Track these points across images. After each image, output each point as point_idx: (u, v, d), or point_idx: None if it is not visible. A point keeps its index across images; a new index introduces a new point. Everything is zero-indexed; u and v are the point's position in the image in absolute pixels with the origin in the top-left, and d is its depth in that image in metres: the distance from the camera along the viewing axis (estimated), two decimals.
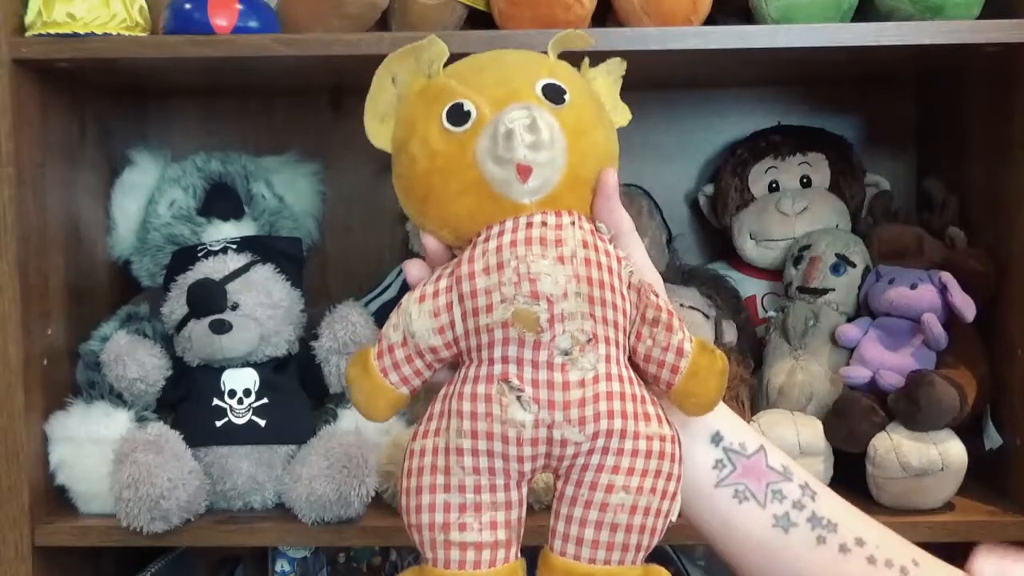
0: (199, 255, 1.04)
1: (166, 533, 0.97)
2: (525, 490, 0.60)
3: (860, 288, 1.10)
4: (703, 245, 1.32)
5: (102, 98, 1.16)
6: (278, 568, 1.21)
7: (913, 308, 1.03)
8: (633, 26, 0.97)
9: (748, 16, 0.99)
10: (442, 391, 0.60)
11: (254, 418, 1.01)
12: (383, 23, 1.02)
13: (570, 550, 0.58)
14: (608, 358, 0.58)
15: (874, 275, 1.09)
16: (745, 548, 0.63)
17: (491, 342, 0.57)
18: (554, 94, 0.60)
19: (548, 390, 0.57)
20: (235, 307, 1.00)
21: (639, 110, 1.39)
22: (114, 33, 0.95)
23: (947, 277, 1.02)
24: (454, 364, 0.60)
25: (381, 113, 0.63)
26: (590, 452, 0.57)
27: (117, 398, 1.02)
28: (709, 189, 1.27)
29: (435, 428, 0.59)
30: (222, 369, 1.02)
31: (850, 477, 0.98)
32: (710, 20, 0.99)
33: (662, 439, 0.58)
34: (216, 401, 1.01)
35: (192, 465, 0.98)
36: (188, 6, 0.95)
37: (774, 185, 1.21)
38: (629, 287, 0.60)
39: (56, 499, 1.03)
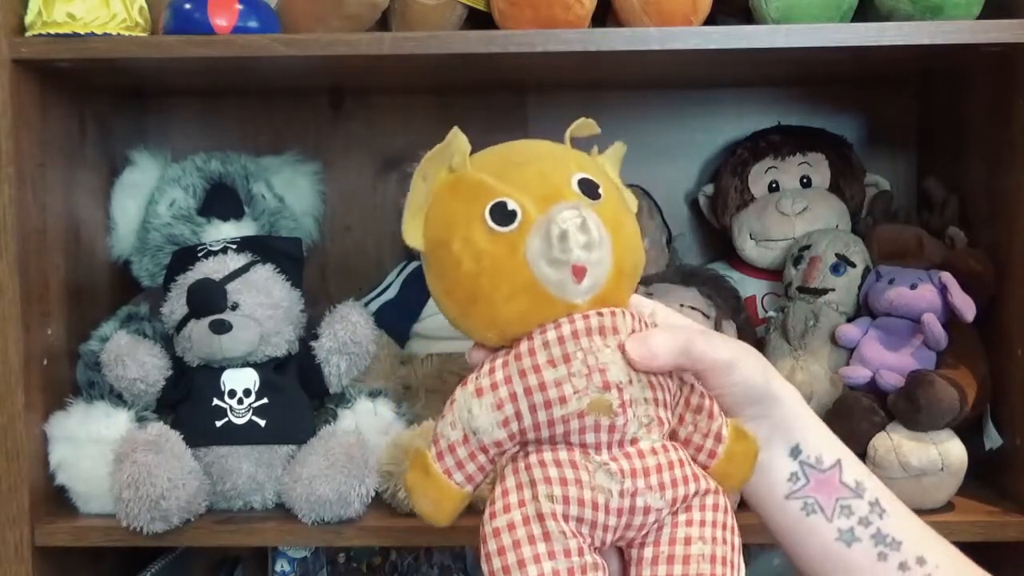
0: (199, 255, 1.04)
1: (166, 533, 0.97)
2: (601, 551, 0.60)
3: (860, 288, 1.10)
4: (703, 245, 1.32)
5: (102, 98, 1.16)
6: (278, 568, 1.21)
7: (913, 308, 1.03)
8: (633, 26, 0.97)
9: (748, 16, 0.99)
10: (509, 469, 0.59)
11: (254, 418, 1.01)
12: (383, 23, 1.02)
13: None
14: (664, 436, 0.61)
15: (874, 275, 1.09)
16: (809, 558, 0.65)
17: (567, 432, 0.58)
18: (589, 189, 0.60)
19: (627, 460, 0.59)
20: (235, 307, 1.00)
21: (639, 110, 1.40)
22: (114, 33, 0.95)
23: (947, 277, 1.02)
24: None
25: (415, 211, 0.62)
26: (666, 517, 0.60)
27: (117, 398, 1.02)
28: (709, 189, 1.27)
29: (517, 501, 0.58)
30: (222, 369, 1.02)
31: None
32: (710, 20, 0.99)
33: (718, 495, 0.61)
34: (216, 401, 1.01)
35: (192, 465, 0.98)
36: (188, 6, 0.95)
37: (774, 185, 1.21)
38: (672, 374, 0.62)
39: (56, 499, 1.03)
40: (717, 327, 1.08)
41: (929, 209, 1.17)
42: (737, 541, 0.62)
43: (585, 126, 0.65)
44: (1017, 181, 1.01)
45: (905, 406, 0.98)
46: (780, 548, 0.68)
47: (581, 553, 0.57)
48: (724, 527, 0.61)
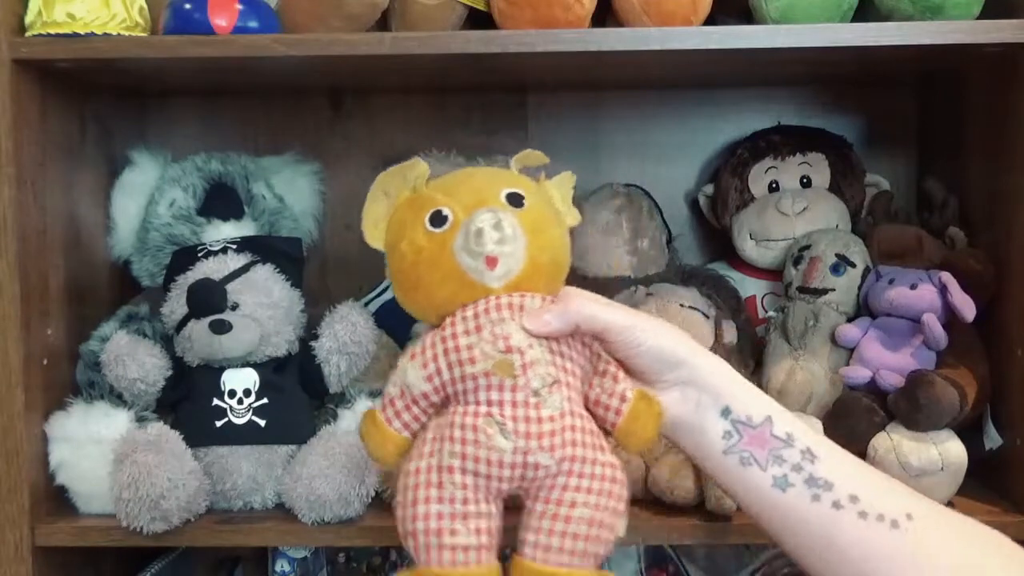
0: (199, 255, 1.04)
1: (166, 533, 0.97)
2: (501, 506, 0.72)
3: (860, 288, 1.10)
4: (703, 245, 1.32)
5: (102, 98, 1.16)
6: (278, 568, 1.21)
7: (913, 308, 1.03)
8: (633, 26, 0.97)
9: (748, 16, 0.99)
10: (433, 424, 0.72)
11: (254, 418, 1.01)
12: (383, 23, 1.02)
13: (539, 555, 0.70)
14: (569, 399, 0.71)
15: (874, 275, 1.09)
16: (751, 504, 0.72)
17: (476, 388, 0.70)
18: (515, 200, 0.74)
19: (525, 423, 0.70)
20: (235, 307, 1.00)
21: (639, 110, 1.40)
22: (114, 33, 0.95)
23: (947, 277, 1.02)
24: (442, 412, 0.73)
25: (375, 219, 0.78)
26: (556, 475, 0.70)
27: (117, 398, 1.02)
28: (709, 189, 1.27)
29: (428, 451, 0.71)
30: (222, 369, 1.02)
31: None
32: (710, 20, 0.99)
33: (612, 466, 0.71)
34: (216, 401, 1.01)
35: (192, 465, 0.98)
36: (188, 6, 0.95)
37: (774, 185, 1.21)
38: (583, 345, 0.73)
39: (56, 499, 1.03)
40: (717, 327, 1.08)
41: (929, 209, 1.17)
42: (621, 506, 0.71)
43: (534, 156, 0.79)
44: (1017, 181, 1.01)
45: (905, 406, 0.98)
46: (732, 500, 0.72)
47: (466, 502, 0.70)
48: (609, 495, 0.70)
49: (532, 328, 0.71)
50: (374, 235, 0.79)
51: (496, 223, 0.72)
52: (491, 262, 0.72)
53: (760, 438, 0.71)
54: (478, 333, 0.71)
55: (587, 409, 0.73)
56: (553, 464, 0.70)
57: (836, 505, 0.69)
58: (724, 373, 0.74)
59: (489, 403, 0.70)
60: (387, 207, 0.78)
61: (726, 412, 0.73)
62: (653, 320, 0.75)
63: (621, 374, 0.73)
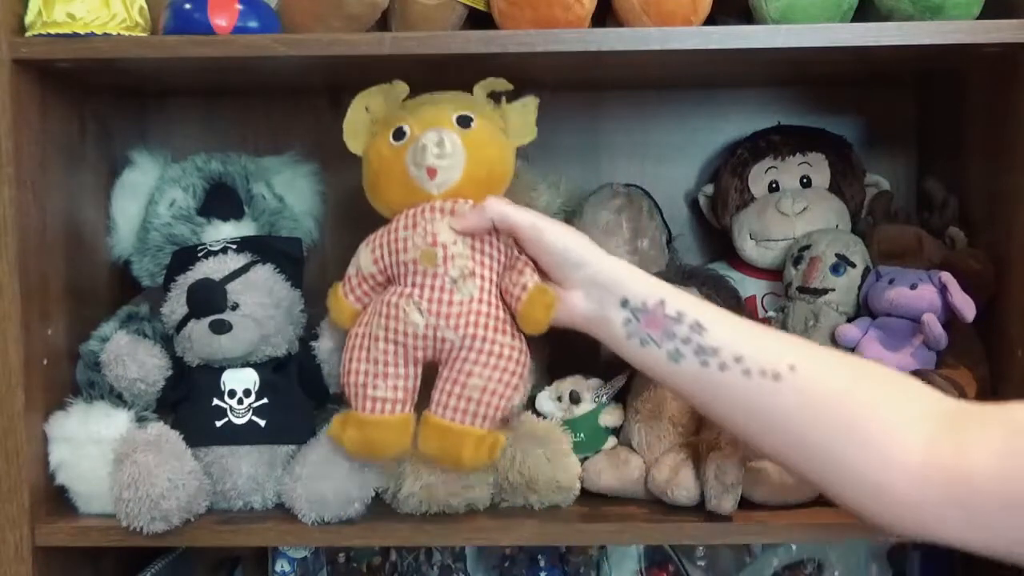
0: (199, 255, 1.04)
1: (166, 533, 0.97)
2: (419, 369, 0.91)
3: (860, 288, 1.10)
4: (703, 245, 1.32)
5: (102, 98, 1.16)
6: (278, 568, 1.21)
7: (913, 308, 1.03)
8: (633, 26, 0.97)
9: (748, 16, 0.99)
10: (373, 302, 0.92)
11: (254, 418, 1.01)
12: (383, 23, 1.02)
13: (439, 412, 0.89)
14: (482, 288, 0.89)
15: (874, 275, 1.09)
16: (657, 379, 0.84)
17: (406, 272, 0.90)
18: (464, 122, 0.93)
19: (438, 305, 0.88)
20: (235, 307, 1.00)
21: (639, 110, 1.40)
22: (114, 33, 0.95)
23: (947, 277, 1.02)
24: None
25: (355, 129, 0.97)
26: (460, 348, 0.88)
27: (117, 398, 1.02)
28: (709, 189, 1.27)
29: (364, 322, 0.92)
30: (222, 369, 1.02)
31: None
32: (710, 20, 0.99)
33: (513, 348, 0.89)
34: (216, 401, 1.01)
35: (192, 465, 0.98)
36: (188, 6, 0.95)
37: (774, 185, 1.21)
38: (504, 245, 0.90)
39: (56, 499, 1.03)
40: None
41: (929, 209, 1.17)
42: (514, 380, 0.89)
43: (497, 83, 0.96)
44: (1017, 181, 1.01)
45: None
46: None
47: (387, 364, 0.90)
48: (504, 370, 0.88)
49: (455, 226, 0.89)
50: (353, 143, 0.97)
51: (439, 141, 0.90)
52: (431, 172, 0.91)
53: (654, 320, 0.81)
54: (413, 229, 0.90)
55: (501, 298, 0.89)
56: (457, 339, 0.88)
57: (722, 367, 0.77)
58: (621, 268, 0.85)
59: (413, 285, 0.89)
60: (367, 120, 0.97)
61: (624, 302, 0.83)
62: (561, 225, 0.88)
63: (528, 269, 0.88)
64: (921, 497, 0.70)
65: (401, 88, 0.95)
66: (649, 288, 0.83)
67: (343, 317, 0.94)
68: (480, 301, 0.88)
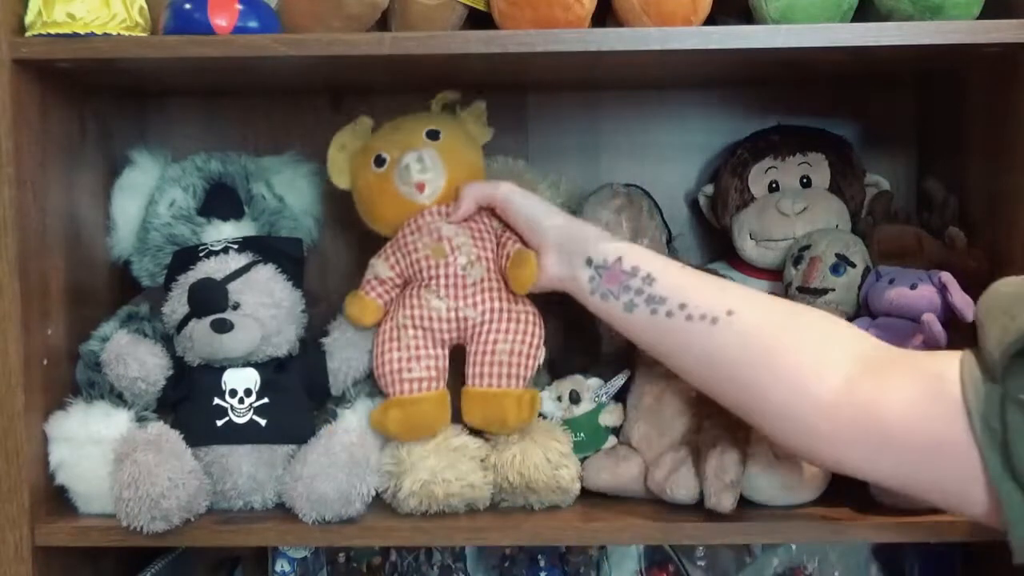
0: (200, 255, 1.04)
1: (166, 533, 0.97)
2: (447, 351, 1.02)
3: (860, 288, 1.10)
4: (703, 245, 1.32)
5: (102, 98, 1.16)
6: (278, 568, 1.21)
7: (913, 308, 1.03)
8: (633, 26, 0.97)
9: (748, 16, 0.99)
10: (394, 303, 1.03)
11: (255, 417, 1.01)
12: (383, 23, 1.02)
13: (475, 382, 1.00)
14: (488, 269, 1.02)
15: (874, 275, 1.09)
16: (617, 327, 0.93)
17: (420, 269, 1.02)
18: (433, 135, 1.06)
19: (455, 289, 1.01)
20: (236, 307, 1.00)
21: (639, 110, 1.40)
22: (114, 33, 0.95)
23: (947, 277, 1.02)
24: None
25: (338, 168, 1.10)
26: (482, 323, 1.00)
27: (117, 398, 1.02)
28: (709, 189, 1.27)
29: (390, 317, 1.03)
30: (223, 368, 1.02)
31: (850, 477, 0.98)
32: (710, 20, 0.99)
33: (526, 313, 1.01)
34: (217, 400, 1.01)
35: (192, 465, 0.98)
36: (188, 6, 0.95)
37: (774, 185, 1.21)
38: (492, 229, 1.03)
39: (56, 499, 1.03)
40: None
41: (929, 209, 1.16)
42: (535, 340, 1.00)
43: (449, 95, 1.10)
44: (1017, 181, 1.01)
45: None
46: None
47: (417, 348, 1.01)
48: (525, 333, 1.00)
49: (453, 218, 1.02)
50: (340, 179, 1.09)
51: (419, 158, 1.03)
52: (420, 187, 1.03)
53: (613, 275, 0.91)
54: (419, 232, 1.03)
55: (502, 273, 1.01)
56: (477, 316, 1.00)
57: (669, 314, 0.87)
58: (587, 229, 0.96)
59: (430, 278, 1.01)
60: (344, 158, 1.09)
61: (589, 261, 0.93)
62: (532, 196, 1.01)
63: (511, 241, 1.01)
64: (832, 429, 0.78)
65: (366, 123, 1.09)
66: (610, 245, 0.92)
67: (364, 313, 1.02)
68: (489, 280, 1.01)
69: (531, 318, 1.01)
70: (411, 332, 1.00)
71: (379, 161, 1.05)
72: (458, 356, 1.02)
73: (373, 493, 1.00)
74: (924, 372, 0.75)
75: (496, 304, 1.00)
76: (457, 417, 1.02)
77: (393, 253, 1.03)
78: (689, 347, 0.87)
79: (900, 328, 1.05)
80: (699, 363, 0.88)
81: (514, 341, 0.99)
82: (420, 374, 1.00)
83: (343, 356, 1.05)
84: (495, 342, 0.99)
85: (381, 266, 1.03)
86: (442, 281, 1.00)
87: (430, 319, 1.00)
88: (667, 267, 0.90)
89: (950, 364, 0.74)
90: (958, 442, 0.71)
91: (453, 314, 1.00)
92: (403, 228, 1.03)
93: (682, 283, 0.89)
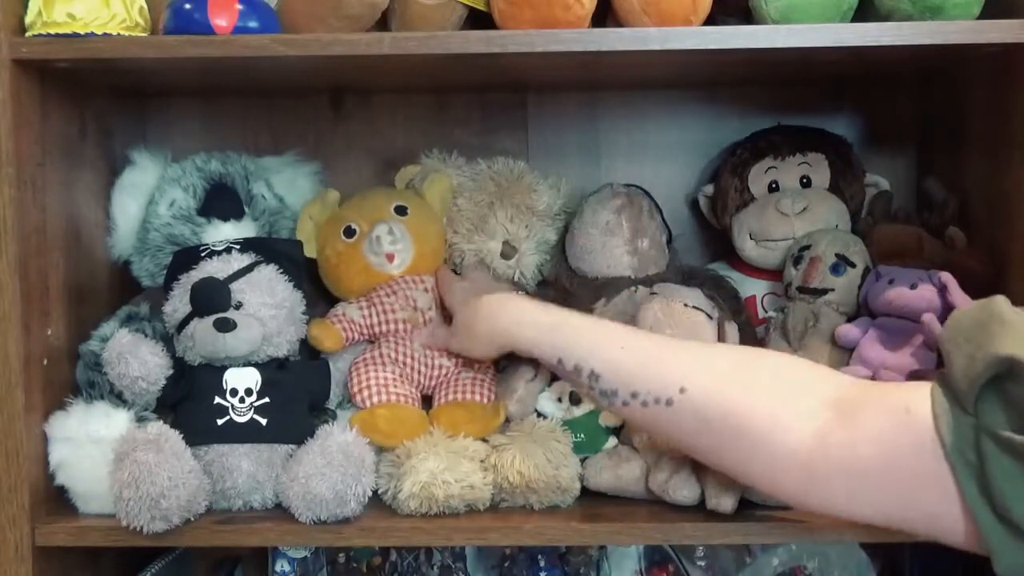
0: (202, 255, 1.04)
1: (166, 533, 0.97)
2: (419, 392, 1.09)
3: (860, 288, 1.10)
4: (703, 245, 1.32)
5: (102, 98, 1.16)
6: (278, 568, 1.21)
7: (913, 308, 1.03)
8: (633, 26, 0.97)
9: (748, 16, 0.99)
10: (368, 354, 1.09)
11: (255, 417, 1.01)
12: (383, 23, 1.02)
13: (444, 400, 1.09)
14: None
15: (874, 275, 1.09)
16: None
17: (396, 329, 1.10)
18: (401, 210, 1.13)
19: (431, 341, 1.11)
20: (238, 306, 1.00)
21: (639, 110, 1.40)
22: (114, 33, 0.95)
23: (947, 277, 1.02)
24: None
25: (307, 236, 1.14)
26: (448, 375, 1.10)
27: (117, 398, 1.02)
28: (709, 189, 1.27)
29: (368, 349, 1.09)
30: (224, 368, 1.02)
31: None
32: (710, 20, 0.99)
33: (484, 367, 1.10)
34: (218, 399, 1.01)
35: (192, 464, 0.98)
36: (188, 6, 0.95)
37: (774, 185, 1.21)
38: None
39: (56, 499, 1.03)
40: (720, 328, 1.08)
41: (929, 209, 1.16)
42: (492, 389, 1.09)
43: (410, 171, 1.20)
44: (1017, 180, 1.01)
45: None
46: None
47: (395, 381, 1.07)
48: (482, 383, 1.09)
49: (426, 342, 1.10)
50: (308, 247, 1.13)
51: (389, 230, 1.10)
52: (390, 257, 1.11)
53: (562, 374, 0.94)
54: (394, 295, 1.10)
55: None
56: (451, 365, 1.10)
57: (625, 404, 0.88)
58: (524, 334, 0.97)
59: (407, 333, 1.10)
60: (312, 227, 1.14)
61: (536, 365, 1.04)
62: (471, 305, 1.03)
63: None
64: (810, 483, 0.78)
65: (334, 195, 1.15)
66: (549, 349, 0.93)
67: (328, 336, 1.07)
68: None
69: (489, 373, 1.10)
70: (390, 366, 1.08)
71: (348, 232, 1.11)
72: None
73: (369, 493, 1.00)
74: (892, 407, 0.74)
75: (459, 362, 1.10)
76: None
77: (368, 305, 1.10)
78: (657, 428, 0.89)
79: (900, 328, 1.05)
80: (672, 440, 0.92)
81: (475, 378, 1.09)
82: (399, 391, 1.06)
83: (348, 359, 1.05)
84: (459, 374, 1.10)
85: (352, 310, 1.09)
86: (418, 338, 1.10)
87: (412, 358, 1.09)
88: (610, 357, 0.90)
89: (919, 396, 0.73)
90: (933, 473, 0.70)
91: (429, 362, 1.09)
92: (377, 289, 1.10)
93: (627, 368, 0.88)
